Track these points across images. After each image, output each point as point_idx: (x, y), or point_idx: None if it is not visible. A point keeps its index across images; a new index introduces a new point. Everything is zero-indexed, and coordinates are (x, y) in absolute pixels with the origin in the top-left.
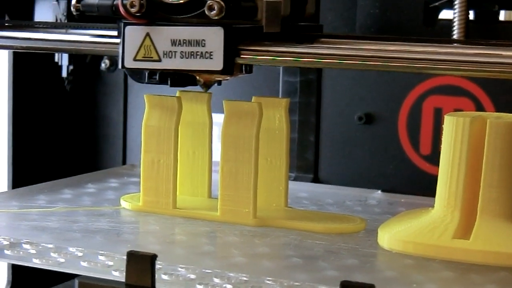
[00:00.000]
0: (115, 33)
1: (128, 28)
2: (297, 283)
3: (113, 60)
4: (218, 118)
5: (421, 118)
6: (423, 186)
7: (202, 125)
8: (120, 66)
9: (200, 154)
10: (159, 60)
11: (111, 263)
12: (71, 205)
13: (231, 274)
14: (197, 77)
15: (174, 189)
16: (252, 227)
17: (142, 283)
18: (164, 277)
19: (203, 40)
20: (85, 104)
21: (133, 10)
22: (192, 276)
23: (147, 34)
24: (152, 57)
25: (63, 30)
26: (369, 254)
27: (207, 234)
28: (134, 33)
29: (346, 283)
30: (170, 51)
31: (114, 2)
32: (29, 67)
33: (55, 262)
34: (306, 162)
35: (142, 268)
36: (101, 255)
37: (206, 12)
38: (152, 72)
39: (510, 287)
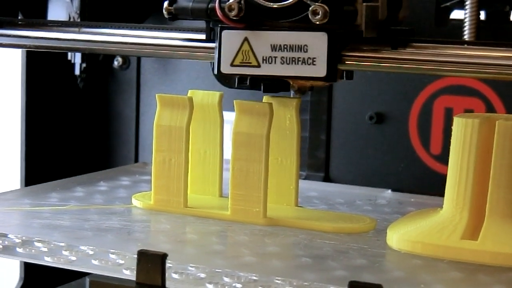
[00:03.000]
0: (198, 36)
1: (225, 32)
2: (306, 283)
3: (126, 58)
4: (231, 117)
5: (432, 117)
6: (434, 185)
7: (214, 124)
8: (215, 71)
9: (211, 153)
10: (258, 66)
11: (122, 261)
12: (83, 203)
13: (241, 274)
14: (291, 83)
15: (185, 188)
16: (262, 226)
17: (152, 282)
18: (175, 276)
19: (305, 45)
20: (98, 102)
21: (231, 13)
22: (202, 275)
23: (246, 39)
24: (250, 63)
25: (144, 32)
26: (378, 254)
27: (217, 233)
28: (232, 38)
29: (354, 283)
30: (270, 57)
31: (210, 5)
32: (42, 65)
33: (66, 260)
34: (317, 160)
35: (153, 267)
36: (112, 253)
37: (310, 16)
38: (243, 77)
39: None
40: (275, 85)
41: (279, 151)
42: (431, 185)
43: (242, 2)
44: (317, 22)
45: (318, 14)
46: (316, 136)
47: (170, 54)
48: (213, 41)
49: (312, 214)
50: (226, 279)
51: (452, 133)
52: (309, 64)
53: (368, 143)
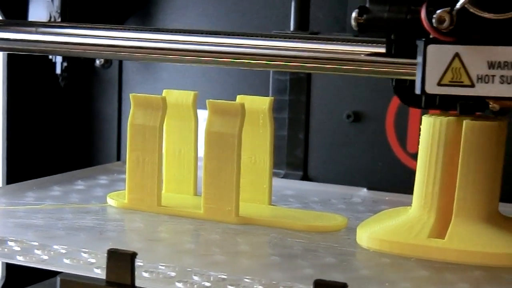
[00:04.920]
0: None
1: (432, 47)
2: (274, 282)
3: None
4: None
5: (409, 116)
6: (410, 184)
7: (189, 124)
8: (418, 91)
9: (186, 152)
10: (472, 86)
11: (93, 260)
12: (59, 202)
13: (211, 272)
14: (491, 103)
15: (158, 187)
16: (235, 225)
17: (122, 281)
18: (145, 274)
19: None
20: (80, 101)
21: (441, 26)
22: (172, 274)
23: (457, 55)
24: (462, 82)
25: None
26: (347, 253)
27: (190, 232)
28: (440, 53)
29: (319, 281)
30: (487, 75)
31: (408, 16)
32: (24, 64)
33: (38, 259)
34: (296, 159)
35: (122, 266)
36: (84, 252)
37: None
38: (443, 96)
39: (483, 286)
40: (473, 105)
41: (252, 150)
42: (408, 183)
43: (454, 12)
44: None
45: None
46: (295, 135)
47: (347, 70)
48: (394, 56)
49: (284, 213)
50: (196, 278)
51: (421, 132)
52: None
53: (346, 142)
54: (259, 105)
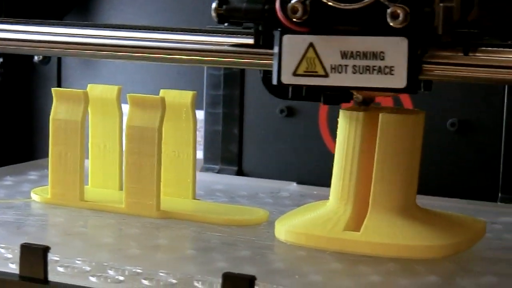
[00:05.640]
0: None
1: (287, 37)
2: (189, 276)
3: None
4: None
5: None
6: None
7: (113, 118)
8: (274, 81)
9: (111, 147)
10: (326, 75)
11: (9, 255)
12: None
13: (126, 267)
14: (355, 94)
15: (81, 181)
16: (156, 219)
17: (35, 275)
18: (60, 269)
19: (381, 52)
20: (19, 97)
21: (295, 15)
22: (87, 269)
23: (311, 45)
24: (316, 72)
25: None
26: (264, 246)
27: (110, 227)
28: (294, 44)
29: (227, 274)
30: (340, 65)
31: (266, 6)
32: None
33: None
34: (230, 154)
35: (35, 261)
36: (1, 247)
37: (388, 20)
38: (298, 87)
39: (394, 277)
40: (338, 96)
41: (176, 144)
42: None
43: (308, 2)
44: (397, 26)
45: (398, 16)
46: (229, 130)
47: (215, 61)
48: (262, 47)
49: (207, 207)
50: (111, 272)
51: (338, 125)
52: (386, 74)
53: (280, 137)
54: (181, 99)
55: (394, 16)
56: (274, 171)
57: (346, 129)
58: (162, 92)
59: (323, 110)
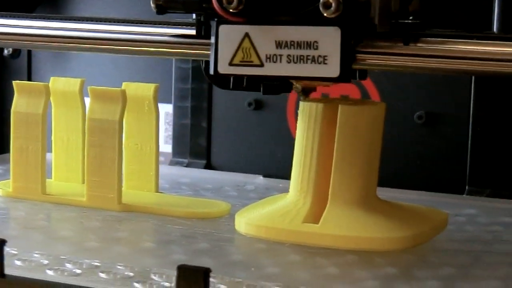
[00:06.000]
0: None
1: (223, 27)
2: (147, 269)
3: None
4: None
5: None
6: None
7: (76, 111)
8: (211, 71)
9: (74, 140)
10: (261, 65)
11: None
12: None
13: (83, 260)
14: (294, 83)
15: (43, 175)
16: (118, 212)
17: None
18: (18, 263)
19: (315, 42)
20: None
21: (230, 6)
22: (45, 262)
23: (246, 35)
24: (252, 62)
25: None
26: (224, 239)
27: (70, 220)
28: (230, 34)
29: (182, 266)
30: (275, 55)
31: None
32: None
33: None
34: (199, 148)
35: None
36: None
37: (321, 9)
38: (238, 77)
39: (351, 269)
40: (277, 86)
41: (139, 137)
42: None
43: None
44: (329, 16)
45: (331, 6)
46: (198, 123)
47: (159, 52)
48: (204, 37)
49: (169, 200)
50: (68, 265)
51: (298, 117)
52: (319, 63)
53: (248, 130)
54: (144, 92)
55: (327, 5)
56: (243, 164)
57: (305, 121)
58: (124, 85)
59: (291, 103)
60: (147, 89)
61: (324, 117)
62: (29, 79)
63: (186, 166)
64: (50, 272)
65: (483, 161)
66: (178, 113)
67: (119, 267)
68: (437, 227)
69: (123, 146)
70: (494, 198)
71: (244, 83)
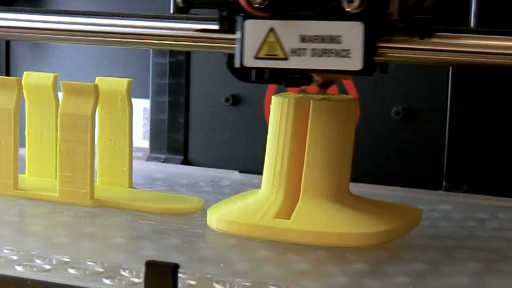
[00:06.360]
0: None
1: (248, 22)
2: (115, 264)
3: None
4: None
5: None
6: None
7: (49, 106)
8: (237, 64)
9: (47, 136)
10: (286, 59)
11: None
12: None
13: (53, 256)
14: (315, 76)
15: (15, 170)
16: (90, 208)
17: None
18: None
19: (339, 36)
20: None
21: (256, 2)
22: (14, 258)
23: (271, 29)
24: (277, 55)
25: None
26: (195, 235)
27: (42, 215)
28: (256, 28)
29: (151, 262)
30: (299, 49)
31: None
32: None
33: None
34: (176, 143)
35: None
36: None
37: (344, 5)
38: (261, 70)
39: (321, 265)
40: (298, 79)
41: (112, 132)
42: None
43: None
44: (353, 11)
45: (354, 1)
46: (175, 119)
47: (183, 45)
48: (226, 32)
49: (142, 196)
50: (38, 261)
51: (271, 112)
52: (342, 57)
53: (226, 125)
54: (117, 86)
55: (350, 1)
56: (220, 159)
57: (277, 116)
58: (97, 80)
59: (268, 99)
60: (120, 84)
61: (296, 112)
62: (7, 73)
63: (163, 162)
64: (19, 268)
65: (460, 157)
66: (155, 109)
67: (88, 262)
68: (410, 223)
69: (97, 141)
70: (471, 194)
71: (267, 76)
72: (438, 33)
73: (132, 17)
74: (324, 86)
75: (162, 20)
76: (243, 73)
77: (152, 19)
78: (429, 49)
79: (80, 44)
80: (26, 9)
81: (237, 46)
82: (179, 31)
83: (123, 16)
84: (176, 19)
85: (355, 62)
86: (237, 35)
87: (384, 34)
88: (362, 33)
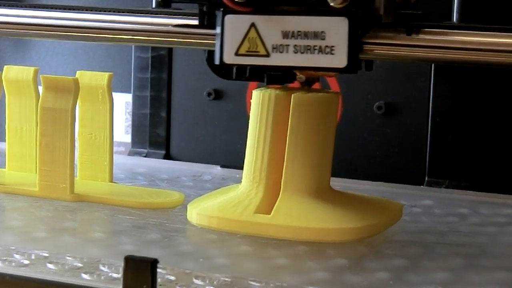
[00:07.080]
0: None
1: (229, 17)
2: (94, 259)
3: None
4: None
5: None
6: None
7: (29, 101)
8: (217, 61)
9: (28, 130)
10: (267, 55)
11: None
12: None
13: (32, 251)
14: (298, 74)
15: None
16: (70, 202)
17: None
18: None
19: (322, 32)
20: None
21: None
22: None
23: (253, 25)
24: (258, 52)
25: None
26: (175, 229)
27: (21, 210)
28: (237, 23)
29: (130, 257)
30: (281, 45)
31: None
32: None
33: None
34: (158, 138)
35: None
36: None
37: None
38: (242, 67)
39: (301, 260)
40: (281, 76)
41: (92, 126)
42: None
43: None
44: (337, 6)
45: None
46: (157, 113)
47: (161, 41)
48: (206, 27)
49: (122, 190)
50: (16, 256)
51: (251, 106)
52: (326, 53)
53: (207, 120)
54: (97, 80)
55: None
56: (202, 154)
57: (258, 110)
58: (78, 74)
59: (251, 93)
60: (101, 78)
61: (277, 106)
62: None
63: (145, 156)
64: None
65: (442, 152)
66: (137, 103)
67: (67, 257)
68: (391, 218)
69: (77, 135)
70: (453, 189)
71: (247, 73)
72: (426, 29)
73: (109, 11)
74: (307, 83)
75: (141, 15)
76: (223, 70)
77: (130, 14)
78: (416, 45)
79: (58, 40)
80: (3, 2)
81: (217, 42)
82: (157, 26)
83: (101, 11)
84: (155, 13)
85: (339, 59)
86: (217, 30)
87: (369, 30)
88: (346, 29)
